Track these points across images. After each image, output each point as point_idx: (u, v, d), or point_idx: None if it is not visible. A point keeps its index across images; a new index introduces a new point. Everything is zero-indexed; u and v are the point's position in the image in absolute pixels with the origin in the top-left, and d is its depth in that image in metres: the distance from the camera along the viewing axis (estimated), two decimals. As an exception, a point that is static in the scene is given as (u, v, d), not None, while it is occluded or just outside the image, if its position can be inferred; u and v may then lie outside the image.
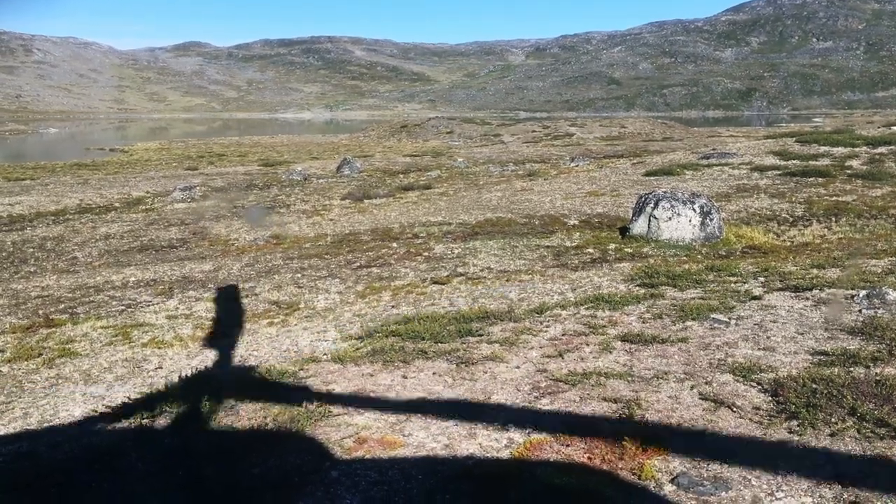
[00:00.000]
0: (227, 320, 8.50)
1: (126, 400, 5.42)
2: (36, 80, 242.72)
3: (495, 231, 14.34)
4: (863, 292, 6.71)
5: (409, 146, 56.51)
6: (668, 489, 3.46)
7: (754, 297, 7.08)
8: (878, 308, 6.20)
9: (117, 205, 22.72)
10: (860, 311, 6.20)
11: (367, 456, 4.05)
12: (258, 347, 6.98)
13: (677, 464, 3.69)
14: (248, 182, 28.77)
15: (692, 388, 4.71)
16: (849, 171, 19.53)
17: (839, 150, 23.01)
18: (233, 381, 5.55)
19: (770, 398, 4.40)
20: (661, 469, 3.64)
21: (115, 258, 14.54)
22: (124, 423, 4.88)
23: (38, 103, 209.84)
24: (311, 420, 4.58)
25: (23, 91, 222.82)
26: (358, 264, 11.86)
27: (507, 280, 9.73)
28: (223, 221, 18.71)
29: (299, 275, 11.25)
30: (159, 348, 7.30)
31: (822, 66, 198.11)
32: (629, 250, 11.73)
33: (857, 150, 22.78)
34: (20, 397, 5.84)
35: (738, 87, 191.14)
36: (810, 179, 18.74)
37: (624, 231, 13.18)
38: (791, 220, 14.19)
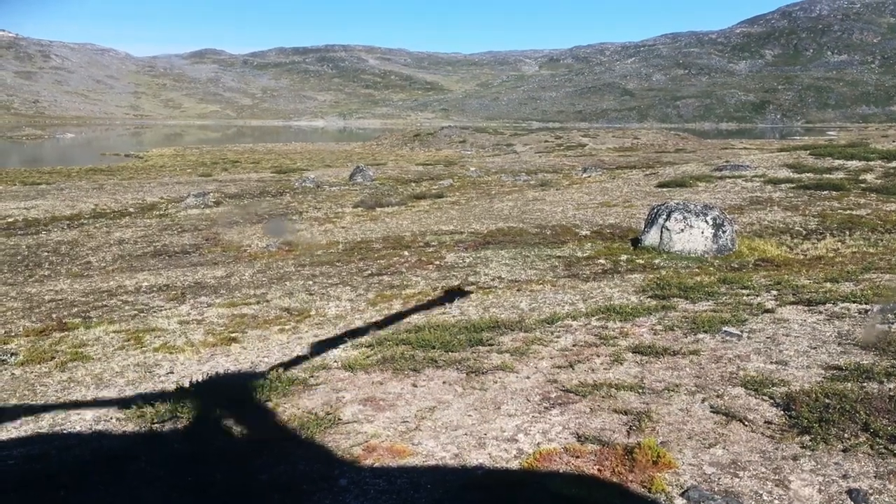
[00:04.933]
0: (239, 326, 8.52)
1: (137, 405, 5.44)
2: (53, 86, 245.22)
3: (507, 241, 14.33)
4: (877, 307, 6.66)
5: (421, 155, 56.65)
6: (679, 503, 3.44)
7: (767, 311, 7.03)
8: (893, 323, 6.14)
9: (131, 210, 22.87)
10: (874, 325, 6.15)
11: (376, 464, 4.05)
12: (269, 354, 6.99)
13: (688, 477, 3.66)
14: (261, 189, 28.91)
15: (703, 400, 4.68)
16: (863, 185, 19.41)
17: (853, 164, 22.87)
18: (243, 387, 5.56)
19: (782, 412, 4.37)
20: (671, 482, 3.61)
21: (128, 263, 14.63)
22: (135, 428, 4.90)
23: (56, 108, 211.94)
24: (321, 427, 4.58)
25: (40, 96, 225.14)
26: (369, 272, 11.87)
27: (518, 290, 9.72)
28: (236, 228, 18.80)
29: (310, 282, 11.27)
30: (171, 353, 7.32)
31: (836, 80, 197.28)
32: (641, 261, 11.69)
33: (871, 163, 22.64)
34: (32, 400, 5.88)
35: (752, 99, 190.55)
36: (824, 193, 18.64)
37: (636, 242, 13.14)
38: (804, 233, 14.11)
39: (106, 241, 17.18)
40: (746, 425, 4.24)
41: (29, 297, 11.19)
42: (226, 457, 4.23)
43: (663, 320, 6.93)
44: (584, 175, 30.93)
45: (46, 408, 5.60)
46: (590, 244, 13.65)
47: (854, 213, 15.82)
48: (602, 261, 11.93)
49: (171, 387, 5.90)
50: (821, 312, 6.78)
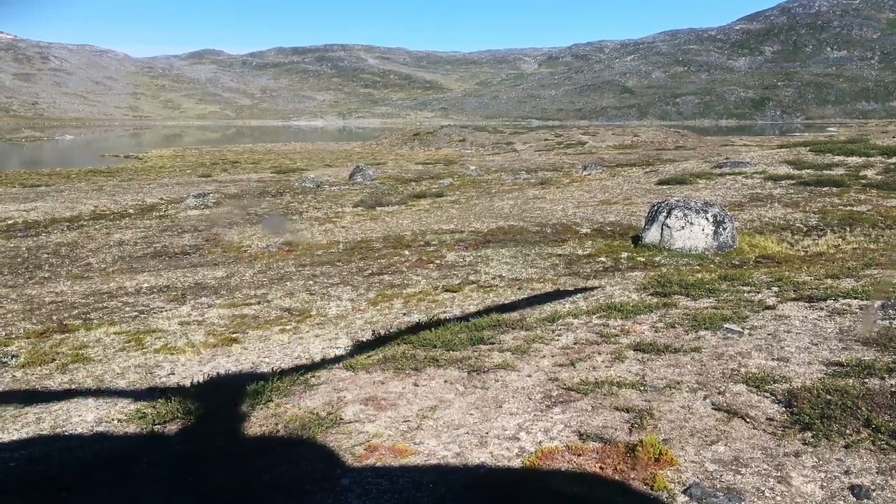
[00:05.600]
0: (239, 327, 8.52)
1: (138, 406, 5.44)
2: (52, 88, 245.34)
3: (507, 239, 14.32)
4: (878, 303, 6.66)
5: (421, 154, 56.65)
6: (681, 500, 3.43)
7: (768, 307, 7.03)
8: (894, 319, 6.14)
9: (131, 211, 22.86)
10: (875, 321, 6.15)
11: (378, 464, 4.04)
12: (270, 354, 6.99)
13: (690, 474, 3.66)
14: (261, 189, 28.90)
15: (705, 398, 4.68)
16: (863, 181, 19.40)
17: (854, 160, 22.86)
18: (244, 387, 5.56)
19: (784, 409, 4.37)
20: (673, 480, 3.61)
21: (128, 264, 14.63)
22: (136, 429, 4.89)
23: (54, 110, 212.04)
24: (322, 427, 4.58)
25: (39, 98, 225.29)
26: (370, 272, 11.87)
27: (518, 288, 9.72)
28: (236, 228, 18.79)
29: (311, 282, 11.27)
30: (171, 354, 7.32)
31: (836, 76, 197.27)
32: (641, 259, 11.68)
33: (871, 159, 22.63)
34: (33, 403, 5.88)
35: (752, 96, 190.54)
36: (824, 189, 18.62)
37: (636, 240, 13.14)
38: (805, 229, 14.10)
39: (106, 242, 17.17)
40: (748, 422, 4.24)
41: (29, 298, 11.19)
42: (227, 457, 4.23)
43: (664, 318, 6.93)
44: (585, 173, 30.91)
45: (47, 409, 5.60)
46: (590, 242, 13.65)
47: (854, 209, 15.81)
48: (603, 259, 11.92)
49: (172, 388, 5.90)
50: (822, 309, 6.77)
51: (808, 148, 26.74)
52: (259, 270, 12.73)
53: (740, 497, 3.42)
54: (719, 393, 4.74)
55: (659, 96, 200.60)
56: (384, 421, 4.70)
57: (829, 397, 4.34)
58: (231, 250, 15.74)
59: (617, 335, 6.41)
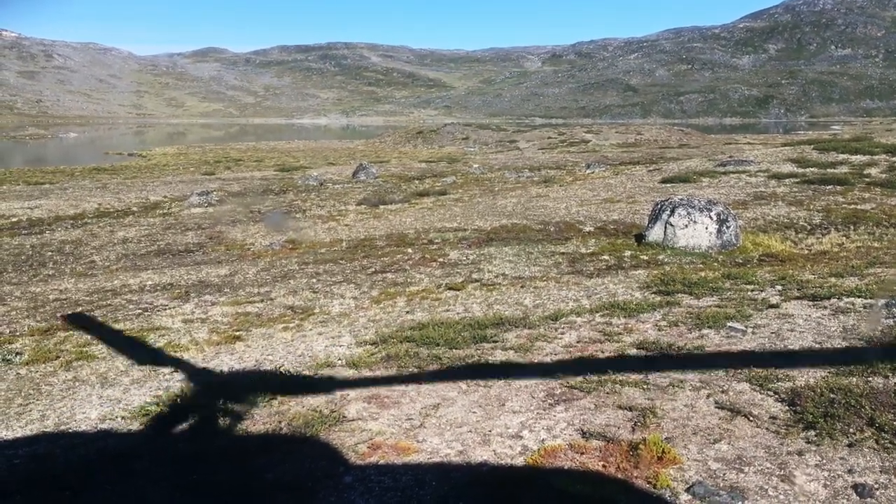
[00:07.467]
0: (243, 325, 8.53)
1: (142, 403, 5.45)
2: (56, 86, 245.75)
3: (510, 237, 14.31)
4: (882, 301, 6.65)
5: (424, 152, 56.65)
6: (684, 498, 3.43)
7: (771, 306, 7.02)
8: (898, 317, 6.12)
9: (135, 209, 22.89)
10: (879, 320, 6.14)
11: (381, 461, 4.05)
12: (273, 352, 7.00)
13: (693, 473, 3.66)
14: (264, 187, 28.92)
15: (708, 396, 4.68)
16: (867, 179, 19.36)
17: (858, 158, 22.81)
18: (248, 385, 5.57)
19: (787, 407, 4.36)
20: (676, 478, 3.61)
21: (132, 262, 14.64)
22: (140, 427, 4.91)
23: (58, 108, 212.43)
24: (326, 425, 4.58)
25: (43, 96, 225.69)
26: (373, 269, 11.87)
27: (522, 286, 9.71)
28: (239, 226, 18.80)
29: (314, 280, 11.28)
30: (175, 352, 7.33)
31: (840, 74, 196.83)
32: (645, 257, 11.67)
33: (875, 157, 22.57)
34: (37, 400, 5.89)
35: (756, 94, 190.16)
36: (828, 187, 18.59)
37: (640, 238, 13.12)
38: (809, 228, 14.07)
39: (110, 240, 17.20)
40: (751, 421, 4.24)
41: (33, 296, 11.21)
42: (230, 455, 4.23)
43: (667, 316, 6.92)
44: (588, 171, 30.86)
45: (51, 406, 5.61)
46: (593, 240, 13.63)
47: (858, 207, 15.78)
48: (606, 257, 11.91)
49: (175, 386, 5.91)
50: (825, 307, 6.76)
51: (812, 146, 26.68)
52: (262, 268, 12.74)
53: (743, 496, 3.42)
54: (722, 391, 4.74)
55: (662, 94, 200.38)
56: (387, 419, 4.71)
57: (832, 396, 4.33)
58: (234, 248, 15.75)
59: (620, 333, 6.41)
